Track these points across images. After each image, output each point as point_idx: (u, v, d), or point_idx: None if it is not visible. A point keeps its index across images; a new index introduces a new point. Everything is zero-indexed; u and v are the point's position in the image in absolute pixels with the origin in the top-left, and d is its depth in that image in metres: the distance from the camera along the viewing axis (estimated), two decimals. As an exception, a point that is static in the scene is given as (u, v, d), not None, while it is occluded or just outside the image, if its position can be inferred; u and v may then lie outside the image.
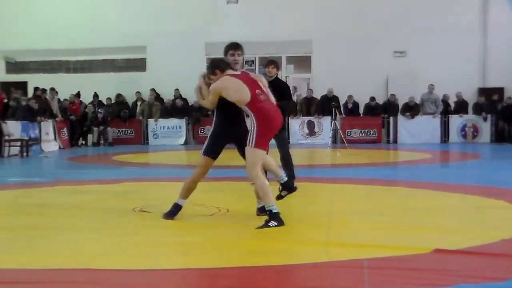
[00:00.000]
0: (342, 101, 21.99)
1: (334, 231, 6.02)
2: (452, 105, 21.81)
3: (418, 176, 10.83)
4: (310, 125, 21.65)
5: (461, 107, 21.52)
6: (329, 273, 4.57)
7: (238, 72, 6.39)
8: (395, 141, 21.54)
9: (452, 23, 21.78)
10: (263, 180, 6.23)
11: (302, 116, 21.71)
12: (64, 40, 23.72)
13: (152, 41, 23.38)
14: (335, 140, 20.73)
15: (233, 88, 6.20)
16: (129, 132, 22.65)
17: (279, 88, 9.64)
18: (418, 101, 21.38)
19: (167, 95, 23.07)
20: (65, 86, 22.75)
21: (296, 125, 21.66)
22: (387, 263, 4.71)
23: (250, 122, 6.23)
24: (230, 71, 6.35)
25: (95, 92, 23.34)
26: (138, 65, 24.26)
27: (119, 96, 23.34)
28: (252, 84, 6.27)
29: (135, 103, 23.29)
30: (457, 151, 18.06)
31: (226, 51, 6.62)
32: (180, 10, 23.10)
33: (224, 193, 9.14)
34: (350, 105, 22.10)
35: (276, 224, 6.06)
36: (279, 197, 6.59)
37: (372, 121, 21.91)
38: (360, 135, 21.83)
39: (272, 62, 9.81)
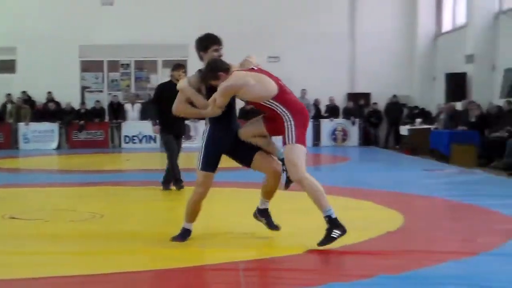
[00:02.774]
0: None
1: (210, 233, 6.08)
2: (323, 109, 22.48)
3: (292, 179, 11.12)
4: (186, 129, 21.59)
5: (333, 111, 22.25)
6: (205, 276, 4.63)
7: (251, 67, 5.52)
8: (270, 144, 21.91)
9: (323, 31, 22.45)
10: (312, 180, 5.27)
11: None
12: None
13: (23, 42, 22.53)
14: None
15: (256, 82, 5.31)
16: (-3, 136, 21.69)
17: None
18: (291, 105, 21.86)
19: (40, 98, 22.31)
20: None
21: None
22: (262, 265, 4.84)
23: (283, 119, 5.29)
24: (236, 69, 5.48)
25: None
26: (8, 66, 23.29)
27: (-16, 99, 22.30)
28: (272, 76, 5.48)
29: (4, 106, 22.36)
30: (328, 154, 18.65)
31: (206, 46, 5.69)
32: (52, 11, 22.39)
33: (98, 198, 8.97)
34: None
35: (340, 233, 5.15)
36: (289, 182, 5.52)
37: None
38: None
39: (182, 66, 9.59)
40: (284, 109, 5.31)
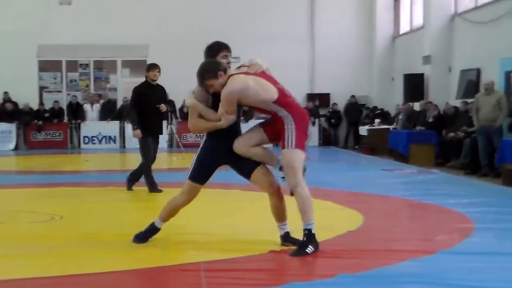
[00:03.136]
0: (178, 105, 22.05)
1: (172, 235, 6.06)
2: (284, 110, 22.59)
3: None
4: (146, 130, 21.45)
5: (293, 112, 22.35)
6: (166, 277, 4.62)
7: (247, 71, 5.37)
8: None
9: (283, 31, 22.55)
10: (306, 189, 5.18)
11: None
12: None
13: (-21, 41, 22.14)
14: (171, 144, 20.80)
15: (258, 86, 5.15)
16: (-47, 137, 21.25)
17: (163, 92, 9.55)
18: (252, 105, 21.88)
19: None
20: None
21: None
22: (224, 265, 4.84)
23: (284, 121, 5.17)
24: (234, 72, 5.33)
25: None
26: (-37, 66, 22.84)
27: None
28: (272, 79, 5.31)
29: (-41, 106, 21.93)
30: (288, 155, 18.70)
31: (215, 53, 5.52)
32: (10, 9, 22.03)
33: (57, 200, 8.87)
34: (186, 109, 22.17)
35: (313, 249, 5.08)
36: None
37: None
38: (196, 139, 21.97)
39: (156, 66, 9.36)
40: (286, 112, 5.18)
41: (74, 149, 21.01)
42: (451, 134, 14.01)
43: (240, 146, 5.31)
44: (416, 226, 6.72)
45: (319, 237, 5.57)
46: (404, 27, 21.58)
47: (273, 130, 5.31)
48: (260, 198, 8.76)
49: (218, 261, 4.95)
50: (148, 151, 9.33)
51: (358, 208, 7.59)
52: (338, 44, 22.85)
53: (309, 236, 5.12)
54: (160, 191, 9.26)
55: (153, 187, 9.33)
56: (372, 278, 4.45)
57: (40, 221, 6.94)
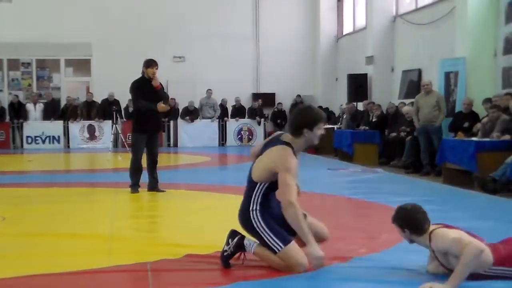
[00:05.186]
0: (123, 105, 21.84)
1: (118, 235, 6.03)
2: (230, 109, 22.63)
3: (198, 178, 11.16)
4: (91, 129, 21.26)
5: (239, 111, 22.41)
6: (112, 278, 4.58)
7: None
8: (176, 144, 21.85)
9: (228, 31, 22.61)
10: None
11: (83, 120, 21.27)
12: None
13: None
14: (116, 144, 20.60)
15: None
16: None
17: (156, 89, 9.16)
18: (197, 105, 21.90)
19: None
20: None
21: (77, 129, 21.15)
22: (171, 265, 4.84)
23: None
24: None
25: None
26: None
27: None
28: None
29: None
30: (234, 154, 18.77)
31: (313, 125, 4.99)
32: None
33: (0, 201, 8.70)
34: (131, 109, 21.98)
35: None
36: None
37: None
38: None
39: (156, 63, 9.06)
40: None
41: (16, 149, 20.62)
42: (394, 134, 14.27)
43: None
44: (360, 225, 6.82)
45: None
46: (347, 28, 21.88)
47: None
48: (204, 196, 8.81)
49: (165, 261, 4.95)
50: (138, 148, 9.19)
51: (303, 207, 7.64)
52: (283, 44, 23.05)
53: None
54: (137, 191, 9.21)
55: (134, 188, 9.26)
56: (316, 277, 4.52)
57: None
